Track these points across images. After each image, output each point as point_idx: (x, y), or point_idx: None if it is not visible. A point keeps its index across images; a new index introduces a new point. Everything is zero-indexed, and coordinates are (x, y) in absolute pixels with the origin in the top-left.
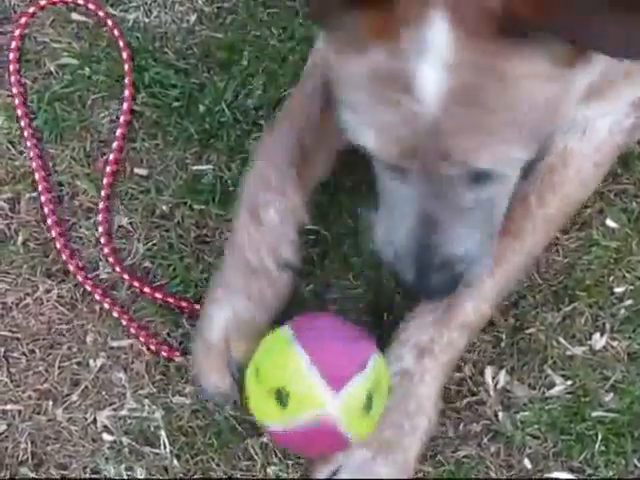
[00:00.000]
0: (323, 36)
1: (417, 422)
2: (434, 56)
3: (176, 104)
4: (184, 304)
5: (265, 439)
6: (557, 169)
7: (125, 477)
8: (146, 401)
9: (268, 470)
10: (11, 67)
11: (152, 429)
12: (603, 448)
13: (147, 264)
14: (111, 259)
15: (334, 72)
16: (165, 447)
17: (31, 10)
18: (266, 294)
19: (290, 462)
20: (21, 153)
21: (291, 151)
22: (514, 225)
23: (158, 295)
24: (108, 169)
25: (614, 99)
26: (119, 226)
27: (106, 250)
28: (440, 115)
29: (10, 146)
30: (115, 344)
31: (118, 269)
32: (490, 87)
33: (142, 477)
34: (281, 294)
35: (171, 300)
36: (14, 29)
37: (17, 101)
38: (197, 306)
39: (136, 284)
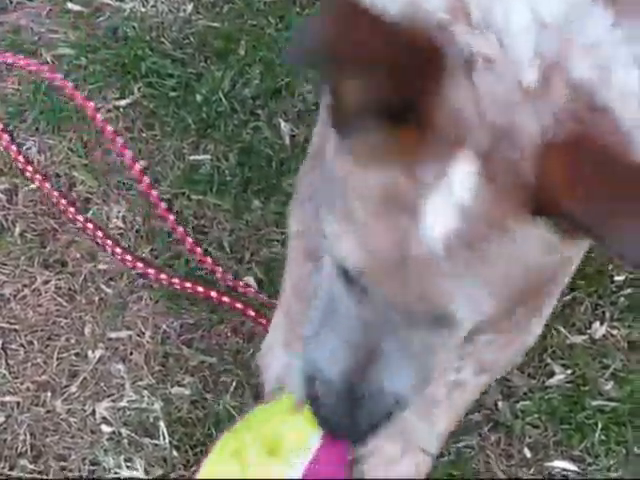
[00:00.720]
0: (338, 141)
1: (446, 427)
2: (451, 193)
3: (173, 94)
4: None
5: None
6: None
7: (124, 468)
8: (145, 392)
9: None
10: None
11: (151, 420)
12: (603, 437)
13: (146, 254)
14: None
15: (342, 177)
16: (164, 438)
17: None
18: None
19: None
20: (20, 145)
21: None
22: None
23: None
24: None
25: None
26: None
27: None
28: (435, 252)
29: (8, 137)
30: (114, 335)
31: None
32: (495, 240)
33: (141, 468)
34: None
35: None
36: None
37: None
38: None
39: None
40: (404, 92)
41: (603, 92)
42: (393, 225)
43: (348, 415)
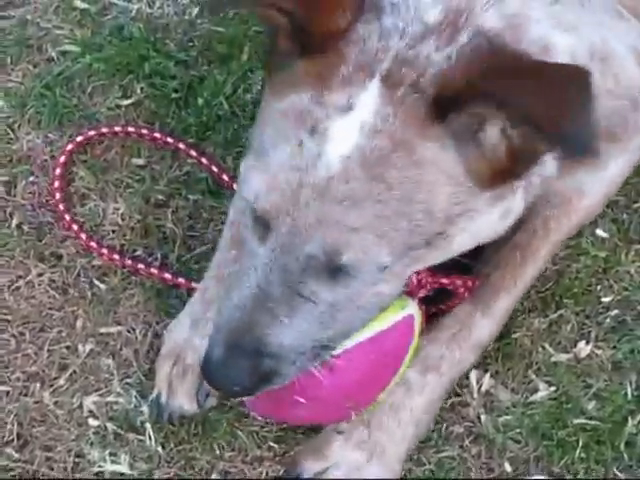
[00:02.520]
0: (267, 83)
1: (406, 432)
2: (354, 115)
3: (175, 95)
4: (181, 281)
5: (253, 427)
6: (573, 201)
7: (109, 462)
8: (133, 391)
9: (253, 462)
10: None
11: (138, 422)
12: (583, 455)
13: (139, 252)
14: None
15: (262, 113)
16: (150, 438)
17: (69, 147)
18: None
19: (277, 453)
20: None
21: None
22: (532, 250)
23: (154, 271)
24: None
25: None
26: (113, 214)
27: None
28: (334, 173)
29: (9, 130)
30: (104, 330)
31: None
32: (398, 163)
33: (125, 463)
34: None
35: (168, 277)
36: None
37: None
38: (194, 284)
39: (129, 262)
40: (323, 27)
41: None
42: (297, 148)
43: (228, 366)
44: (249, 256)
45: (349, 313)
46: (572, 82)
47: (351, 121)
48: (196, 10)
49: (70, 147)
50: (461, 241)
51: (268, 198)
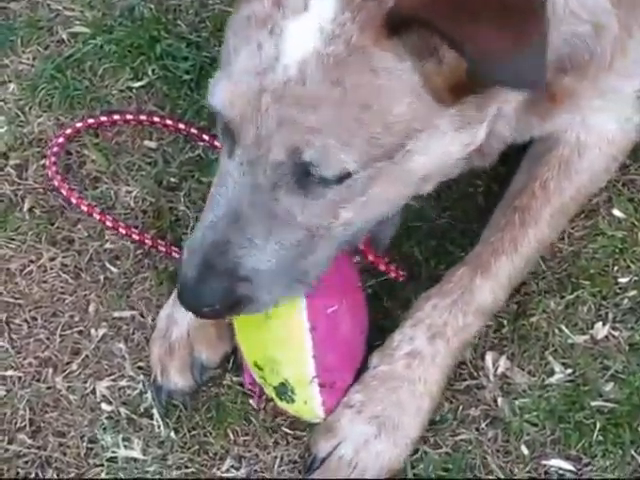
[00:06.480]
0: None
1: (422, 404)
2: (311, 17)
3: (187, 77)
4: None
5: (265, 416)
6: (572, 160)
7: (122, 447)
8: (141, 376)
9: (267, 447)
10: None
11: (150, 402)
12: (601, 438)
13: (153, 234)
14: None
15: (229, 25)
16: (159, 425)
17: (68, 131)
18: None
19: (290, 439)
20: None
21: None
22: (532, 212)
23: (147, 240)
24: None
25: (611, 93)
26: (125, 197)
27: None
28: (292, 76)
29: (20, 113)
30: (117, 315)
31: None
32: (355, 68)
33: (139, 448)
34: None
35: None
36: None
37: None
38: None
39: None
40: None
41: None
42: (256, 51)
43: (201, 287)
44: (221, 175)
45: (325, 241)
46: (523, 16)
47: (308, 23)
48: None
49: (69, 131)
50: (421, 162)
51: (233, 105)
